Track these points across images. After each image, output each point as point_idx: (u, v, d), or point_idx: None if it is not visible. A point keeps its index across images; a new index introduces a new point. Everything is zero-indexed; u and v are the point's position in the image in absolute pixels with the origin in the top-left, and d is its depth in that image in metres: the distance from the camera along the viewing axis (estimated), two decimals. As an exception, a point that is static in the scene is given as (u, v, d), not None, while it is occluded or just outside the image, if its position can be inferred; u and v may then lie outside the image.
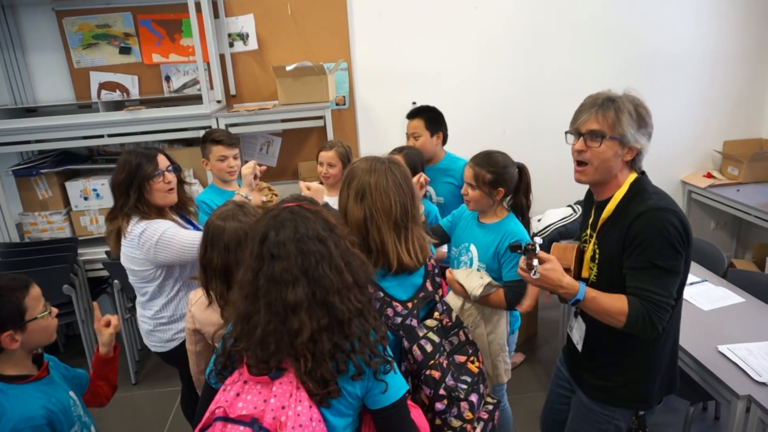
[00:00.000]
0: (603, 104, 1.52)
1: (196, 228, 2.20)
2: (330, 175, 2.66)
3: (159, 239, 1.96)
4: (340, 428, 1.24)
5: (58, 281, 3.12)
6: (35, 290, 1.50)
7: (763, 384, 1.86)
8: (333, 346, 1.19)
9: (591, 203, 1.72)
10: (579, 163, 1.58)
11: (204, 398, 1.33)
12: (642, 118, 1.52)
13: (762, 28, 3.93)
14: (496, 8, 3.71)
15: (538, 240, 1.49)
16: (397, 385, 1.27)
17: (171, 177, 2.06)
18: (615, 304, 1.49)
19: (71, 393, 1.60)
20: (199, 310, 1.73)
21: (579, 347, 1.75)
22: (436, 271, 1.60)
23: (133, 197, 1.99)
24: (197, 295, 1.76)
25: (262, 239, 1.21)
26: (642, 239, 1.47)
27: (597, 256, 1.61)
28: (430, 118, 2.80)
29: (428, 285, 1.54)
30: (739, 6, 3.87)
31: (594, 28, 3.81)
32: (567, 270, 1.58)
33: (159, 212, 2.05)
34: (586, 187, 1.72)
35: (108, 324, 1.74)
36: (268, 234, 1.21)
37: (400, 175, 1.47)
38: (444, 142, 2.87)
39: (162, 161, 2.04)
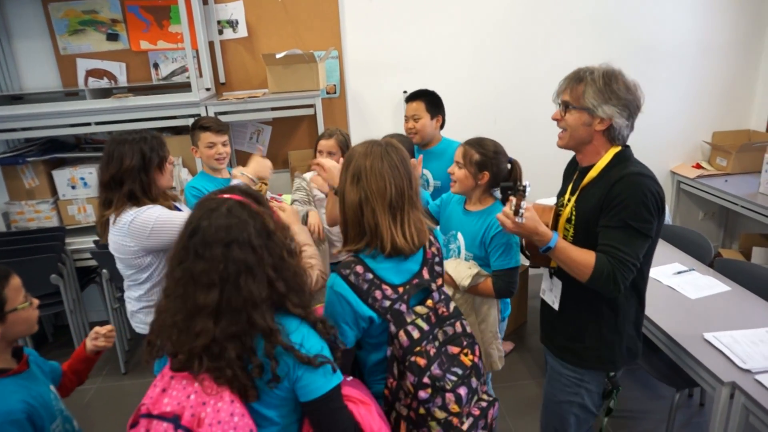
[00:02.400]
0: (574, 78, 1.65)
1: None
2: None
3: (154, 225, 1.97)
4: (275, 417, 1.26)
5: (46, 271, 3.10)
6: (15, 281, 1.47)
7: (747, 371, 1.88)
8: (242, 352, 1.16)
9: (572, 171, 1.82)
10: (562, 129, 1.72)
11: None
12: (612, 92, 1.58)
13: (751, 21, 3.95)
14: (488, -3, 3.70)
15: (528, 184, 1.57)
16: (322, 381, 1.25)
17: (172, 159, 2.16)
18: (583, 256, 1.59)
19: (52, 387, 1.58)
20: None
21: (555, 306, 1.83)
22: (437, 260, 1.58)
23: (144, 180, 1.99)
24: None
25: (192, 234, 1.18)
26: (620, 200, 1.56)
27: (573, 218, 1.70)
28: (431, 101, 2.83)
29: (425, 273, 1.53)
30: (730, -3, 3.88)
31: (585, 20, 3.80)
32: None
33: (155, 197, 2.05)
34: None
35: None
36: (199, 229, 1.18)
37: (397, 158, 1.47)
38: (441, 126, 2.89)
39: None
